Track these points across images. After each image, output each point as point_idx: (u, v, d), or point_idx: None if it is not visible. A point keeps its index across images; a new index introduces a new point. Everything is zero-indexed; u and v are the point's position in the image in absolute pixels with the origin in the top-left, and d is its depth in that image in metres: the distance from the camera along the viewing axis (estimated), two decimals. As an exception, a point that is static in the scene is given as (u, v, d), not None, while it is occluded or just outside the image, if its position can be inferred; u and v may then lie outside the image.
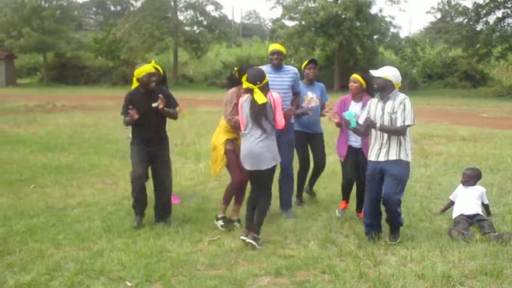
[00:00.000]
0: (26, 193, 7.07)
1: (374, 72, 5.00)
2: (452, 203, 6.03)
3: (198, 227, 5.53)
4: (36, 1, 41.35)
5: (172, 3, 40.86)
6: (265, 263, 4.54)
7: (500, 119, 18.20)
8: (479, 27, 33.81)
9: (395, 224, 5.16)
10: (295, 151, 6.28)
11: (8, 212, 6.07)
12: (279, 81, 5.87)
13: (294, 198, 6.49)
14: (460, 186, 6.12)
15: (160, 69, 5.98)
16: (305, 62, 6.56)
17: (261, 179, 5.09)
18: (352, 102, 5.78)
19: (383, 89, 4.96)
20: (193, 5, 41.58)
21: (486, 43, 32.48)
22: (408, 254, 4.74)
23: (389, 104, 4.94)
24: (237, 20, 69.93)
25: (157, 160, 5.66)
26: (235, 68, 5.58)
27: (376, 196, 5.10)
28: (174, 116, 5.75)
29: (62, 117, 17.31)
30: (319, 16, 33.47)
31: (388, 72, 4.96)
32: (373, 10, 35.87)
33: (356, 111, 5.49)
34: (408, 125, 4.87)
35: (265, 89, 4.98)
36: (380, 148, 5.00)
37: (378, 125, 4.95)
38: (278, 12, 74.77)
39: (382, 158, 4.97)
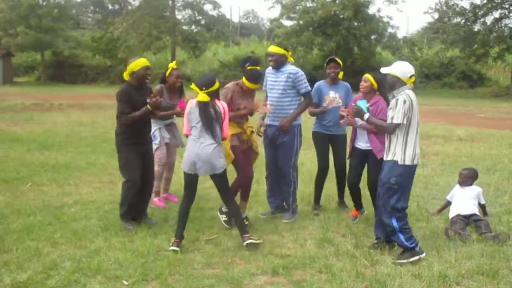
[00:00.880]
0: (23, 191, 7.05)
1: (383, 69, 4.72)
2: (449, 203, 6.04)
3: (195, 226, 5.52)
4: (33, -1, 41.23)
5: (170, 2, 40.83)
6: (262, 262, 4.54)
7: (497, 119, 18.25)
8: (476, 27, 33.90)
9: (395, 241, 4.72)
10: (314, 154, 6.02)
11: (4, 210, 6.06)
12: (277, 82, 5.83)
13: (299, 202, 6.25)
14: (457, 186, 6.13)
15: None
16: (326, 62, 6.37)
17: (216, 183, 5.06)
18: None
19: (392, 86, 4.65)
20: (191, 4, 41.54)
21: (483, 44, 32.54)
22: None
23: (393, 101, 4.65)
24: (235, 19, 70.04)
25: (146, 158, 5.60)
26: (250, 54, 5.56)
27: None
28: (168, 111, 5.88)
29: (59, 115, 17.28)
30: (317, 15, 33.49)
31: (394, 68, 4.64)
32: (371, 10, 36.05)
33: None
34: (397, 124, 4.52)
35: (212, 96, 4.91)
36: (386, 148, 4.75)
37: (366, 115, 4.75)
38: (276, 11, 74.83)
39: (385, 157, 4.72)
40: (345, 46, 34.83)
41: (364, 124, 5.26)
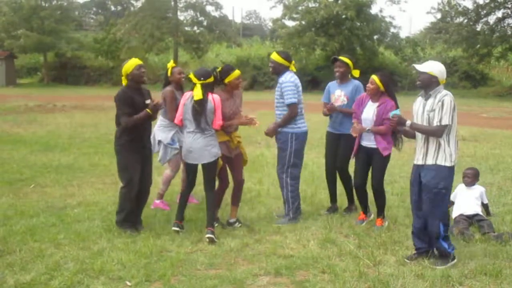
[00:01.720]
0: (26, 192, 7.07)
1: (418, 67, 4.53)
2: (452, 203, 6.02)
3: (198, 226, 5.52)
4: (35, 1, 41.25)
5: (172, 3, 40.80)
6: (264, 263, 4.55)
7: (500, 119, 18.21)
8: (479, 27, 33.76)
9: (437, 247, 4.57)
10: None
11: (8, 211, 6.08)
12: (277, 91, 5.83)
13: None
14: (460, 186, 6.12)
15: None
16: (331, 61, 6.30)
17: (204, 172, 5.32)
18: (369, 102, 5.60)
19: (427, 86, 4.50)
20: (193, 5, 41.51)
21: (486, 43, 32.43)
22: (407, 254, 4.74)
23: (430, 101, 4.48)
24: (238, 20, 70.09)
25: (146, 162, 5.55)
26: (218, 68, 5.56)
27: (417, 206, 4.63)
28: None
29: (62, 117, 17.32)
30: (320, 15, 33.45)
31: (434, 68, 4.50)
32: (373, 10, 35.88)
33: (371, 111, 5.48)
34: (445, 126, 4.38)
35: (207, 88, 5.18)
36: (420, 151, 4.56)
37: (408, 122, 4.55)
38: (278, 12, 74.88)
39: (420, 161, 4.54)
40: (348, 46, 34.74)
41: (374, 129, 5.41)
